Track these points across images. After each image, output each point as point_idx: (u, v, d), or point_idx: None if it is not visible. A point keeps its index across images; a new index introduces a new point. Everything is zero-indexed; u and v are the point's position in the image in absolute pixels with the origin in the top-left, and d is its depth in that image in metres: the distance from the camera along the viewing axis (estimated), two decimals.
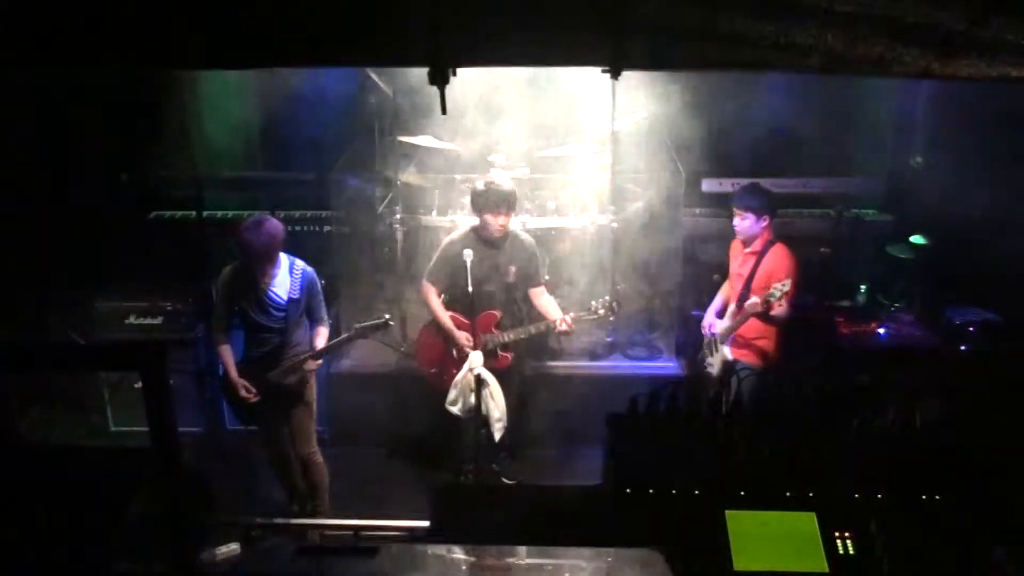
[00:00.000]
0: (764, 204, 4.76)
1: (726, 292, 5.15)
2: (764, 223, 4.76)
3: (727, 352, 4.93)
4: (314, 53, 2.09)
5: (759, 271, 4.79)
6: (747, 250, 4.86)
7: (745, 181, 6.00)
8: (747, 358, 4.85)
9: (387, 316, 4.81)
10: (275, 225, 4.44)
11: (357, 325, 4.72)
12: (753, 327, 4.80)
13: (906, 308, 5.70)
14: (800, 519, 2.28)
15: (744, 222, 4.77)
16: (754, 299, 4.61)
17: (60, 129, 5.58)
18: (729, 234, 5.96)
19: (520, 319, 5.06)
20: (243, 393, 4.59)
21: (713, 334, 5.06)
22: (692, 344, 5.87)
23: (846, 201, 5.74)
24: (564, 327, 4.86)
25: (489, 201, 4.79)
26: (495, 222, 4.79)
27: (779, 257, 4.77)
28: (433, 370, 5.11)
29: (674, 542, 2.21)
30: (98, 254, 5.80)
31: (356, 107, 6.33)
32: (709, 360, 5.10)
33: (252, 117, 6.38)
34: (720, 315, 5.09)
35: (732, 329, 4.88)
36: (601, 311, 4.92)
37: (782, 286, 4.48)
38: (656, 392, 2.78)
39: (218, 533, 3.50)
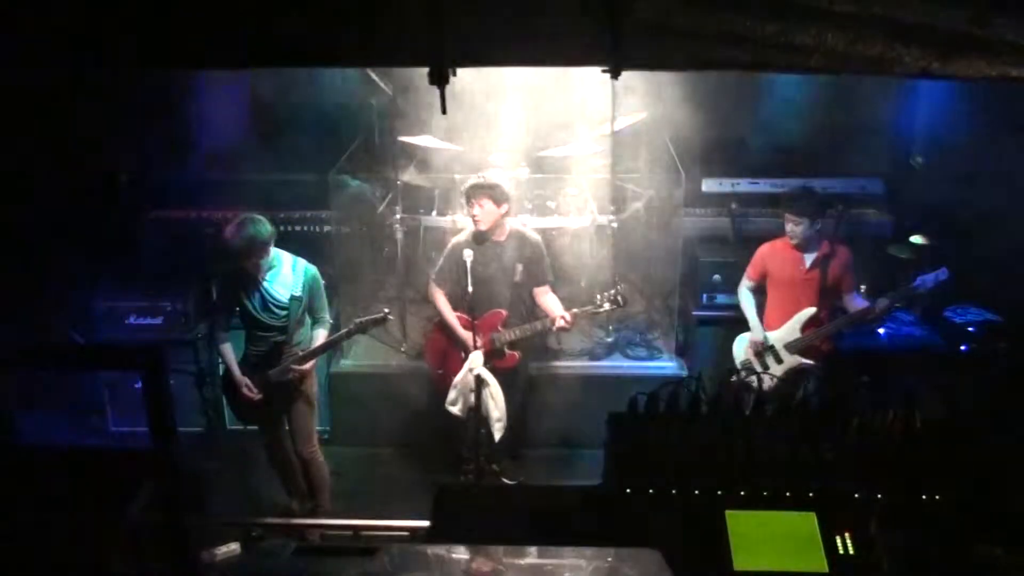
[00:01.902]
0: (818, 207, 4.75)
1: (754, 300, 5.04)
2: (818, 226, 4.73)
3: (801, 360, 4.82)
4: (314, 53, 2.09)
5: (829, 274, 4.77)
6: (812, 255, 4.80)
7: (745, 181, 6.02)
8: (817, 362, 4.84)
9: (386, 310, 4.81)
10: (256, 226, 4.41)
11: (357, 320, 4.72)
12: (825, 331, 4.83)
13: (906, 308, 5.70)
14: (800, 519, 2.28)
15: (798, 227, 4.70)
16: (884, 301, 4.62)
17: (60, 128, 5.58)
18: (727, 234, 5.99)
19: (526, 317, 5.05)
20: (245, 392, 4.60)
21: (769, 346, 4.93)
22: (692, 344, 5.87)
23: (846, 201, 5.73)
24: (562, 323, 4.85)
25: (466, 193, 4.84)
26: (470, 212, 4.81)
27: (846, 255, 4.80)
28: (440, 371, 5.11)
29: (674, 542, 2.21)
30: (98, 254, 5.80)
31: (356, 107, 6.33)
32: (762, 371, 4.89)
33: (252, 117, 6.37)
34: (771, 325, 4.98)
35: (820, 336, 4.81)
36: (607, 304, 4.89)
37: (937, 276, 4.49)
38: (656, 392, 2.78)
39: (218, 533, 3.50)
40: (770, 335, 4.95)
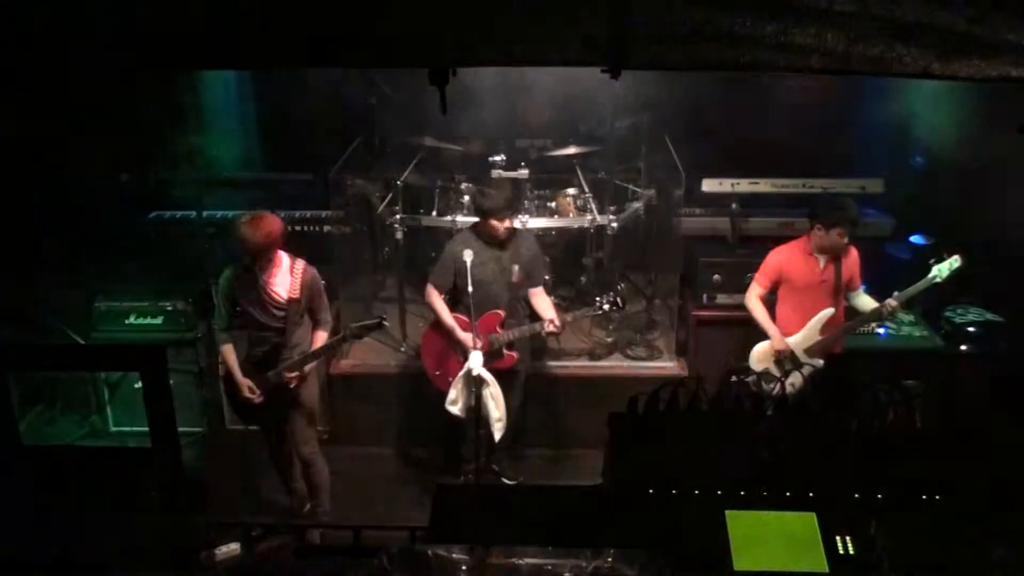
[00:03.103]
0: (859, 215, 4.76)
1: (764, 306, 4.99)
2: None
3: (818, 363, 4.77)
4: (314, 53, 2.09)
5: (843, 275, 4.78)
6: (826, 257, 4.78)
7: (745, 181, 6.01)
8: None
9: (382, 316, 4.81)
10: (273, 221, 4.42)
11: (352, 325, 4.72)
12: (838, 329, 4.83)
13: (906, 308, 5.70)
14: (800, 519, 2.28)
15: (846, 238, 4.67)
16: (891, 302, 4.64)
17: (60, 129, 5.58)
18: (727, 234, 5.98)
19: (523, 319, 5.06)
20: (247, 393, 4.59)
21: (788, 352, 4.88)
22: (692, 344, 5.87)
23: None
24: (551, 328, 4.85)
25: (496, 206, 4.78)
26: (501, 225, 4.81)
27: (855, 252, 4.81)
28: (437, 371, 5.11)
29: (674, 542, 2.21)
30: (98, 254, 5.80)
31: (356, 107, 6.34)
32: (783, 379, 4.69)
33: (252, 117, 6.38)
34: (786, 330, 4.92)
35: (839, 336, 4.81)
36: (606, 307, 4.89)
37: (951, 264, 4.50)
38: (656, 392, 2.78)
39: (218, 533, 3.50)
40: (788, 340, 4.89)
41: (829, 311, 4.80)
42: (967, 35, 1.87)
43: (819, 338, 4.83)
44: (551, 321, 4.84)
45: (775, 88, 6.11)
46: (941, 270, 4.57)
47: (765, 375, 4.87)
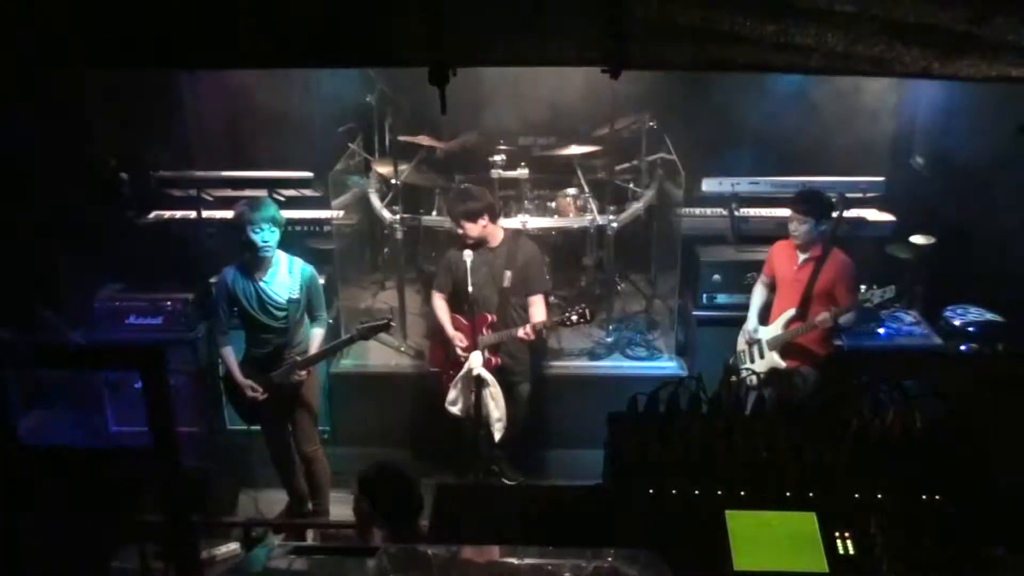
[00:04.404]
0: (823, 208, 4.76)
1: (763, 295, 5.10)
2: (822, 228, 4.75)
3: (777, 359, 4.85)
4: (314, 53, 2.09)
5: (820, 277, 4.76)
6: (805, 256, 4.81)
7: (745, 181, 6.01)
8: (802, 365, 4.84)
9: (389, 317, 4.81)
10: (271, 203, 4.47)
11: (359, 326, 4.72)
12: (812, 334, 4.80)
13: (906, 308, 5.70)
14: (800, 519, 2.28)
15: (803, 227, 4.72)
16: (824, 315, 4.63)
17: (60, 128, 5.58)
18: (727, 234, 5.98)
19: (517, 323, 5.03)
20: (250, 394, 4.59)
21: (756, 340, 4.99)
22: (692, 344, 5.87)
23: (846, 201, 5.72)
24: (523, 334, 4.86)
25: (450, 211, 4.96)
26: (460, 230, 4.89)
27: (841, 263, 4.79)
28: (436, 370, 5.14)
29: (674, 542, 2.21)
30: (98, 254, 5.79)
31: (356, 107, 6.34)
32: (748, 365, 4.98)
33: (252, 117, 6.37)
34: (763, 320, 5.03)
35: (791, 336, 4.82)
36: (574, 318, 4.88)
37: (883, 293, 4.52)
38: (656, 392, 2.78)
39: (218, 533, 3.50)
40: (761, 329, 5.01)
41: (790, 312, 4.83)
42: (967, 35, 1.87)
43: (779, 333, 4.88)
44: (522, 327, 4.85)
45: (775, 86, 6.10)
46: (873, 297, 4.61)
47: (740, 357, 5.08)
